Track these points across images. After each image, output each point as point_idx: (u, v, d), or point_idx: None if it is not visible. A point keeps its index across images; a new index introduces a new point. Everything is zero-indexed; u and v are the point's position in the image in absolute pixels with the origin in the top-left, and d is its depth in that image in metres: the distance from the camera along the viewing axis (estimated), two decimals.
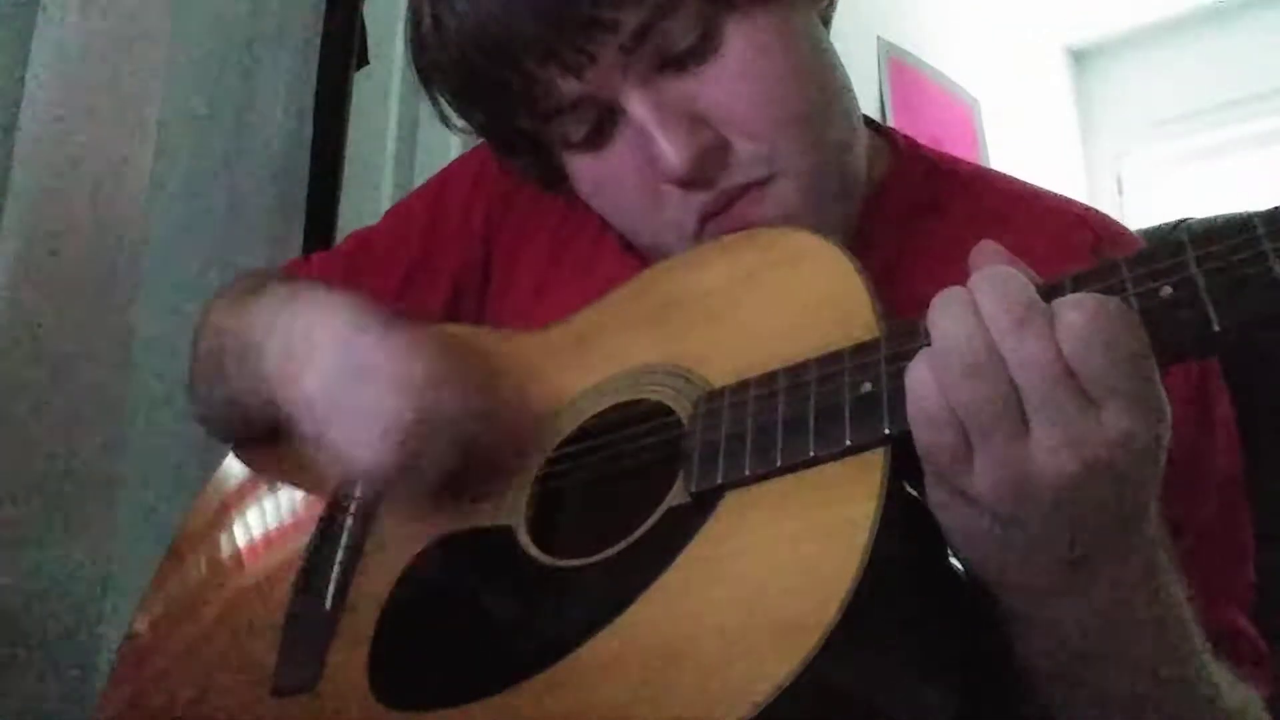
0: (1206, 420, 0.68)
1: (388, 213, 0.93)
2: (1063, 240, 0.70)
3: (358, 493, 0.71)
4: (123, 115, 1.14)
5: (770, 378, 0.55)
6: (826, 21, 0.73)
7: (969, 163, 0.82)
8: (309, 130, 1.36)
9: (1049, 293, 0.46)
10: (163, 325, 1.13)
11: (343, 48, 1.39)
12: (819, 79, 0.68)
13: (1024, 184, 0.78)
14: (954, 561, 0.51)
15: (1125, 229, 0.75)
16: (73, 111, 1.09)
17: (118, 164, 1.12)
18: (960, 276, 0.48)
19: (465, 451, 0.62)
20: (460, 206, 0.86)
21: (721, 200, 0.66)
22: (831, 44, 0.71)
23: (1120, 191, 3.43)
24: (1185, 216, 1.00)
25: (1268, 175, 3.07)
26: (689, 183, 0.65)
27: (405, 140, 1.51)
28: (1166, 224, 1.01)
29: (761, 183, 0.65)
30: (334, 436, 0.63)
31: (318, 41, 1.39)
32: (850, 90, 0.72)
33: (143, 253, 1.14)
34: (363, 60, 1.41)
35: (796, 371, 0.54)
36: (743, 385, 0.56)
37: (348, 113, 1.38)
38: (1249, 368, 0.80)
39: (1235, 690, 0.57)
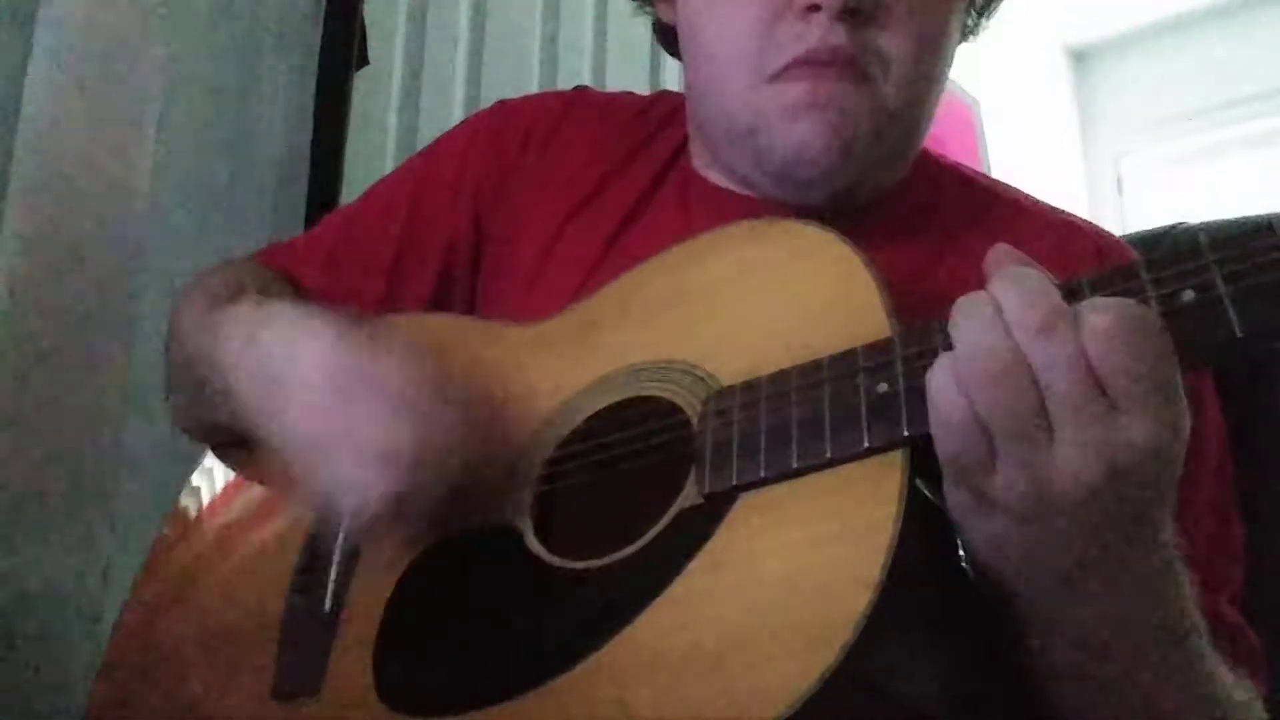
0: (1200, 416, 0.68)
1: (369, 191, 0.91)
2: (1063, 249, 0.71)
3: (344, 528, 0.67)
4: (123, 115, 1.13)
5: (782, 376, 0.54)
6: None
7: (971, 169, 0.82)
8: (309, 130, 1.36)
9: (1067, 294, 0.46)
10: (163, 325, 1.12)
11: (343, 48, 1.38)
12: (945, 68, 0.75)
13: (1024, 193, 0.79)
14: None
15: (1124, 243, 0.76)
16: (73, 111, 1.08)
17: (118, 164, 1.12)
18: (964, 278, 0.48)
19: (459, 476, 0.59)
20: (450, 182, 0.84)
21: (824, 55, 0.67)
22: None
23: (1120, 191, 3.43)
24: (1179, 221, 0.99)
25: (1268, 175, 3.07)
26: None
27: (405, 140, 1.50)
28: (1159, 228, 1.00)
29: (865, 79, 0.68)
30: (324, 474, 0.59)
31: (318, 41, 1.38)
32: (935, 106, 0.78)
33: (143, 253, 1.14)
34: (363, 60, 1.41)
35: (809, 370, 0.53)
36: (753, 384, 0.55)
37: (348, 113, 1.37)
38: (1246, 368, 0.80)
39: (1237, 688, 0.58)
